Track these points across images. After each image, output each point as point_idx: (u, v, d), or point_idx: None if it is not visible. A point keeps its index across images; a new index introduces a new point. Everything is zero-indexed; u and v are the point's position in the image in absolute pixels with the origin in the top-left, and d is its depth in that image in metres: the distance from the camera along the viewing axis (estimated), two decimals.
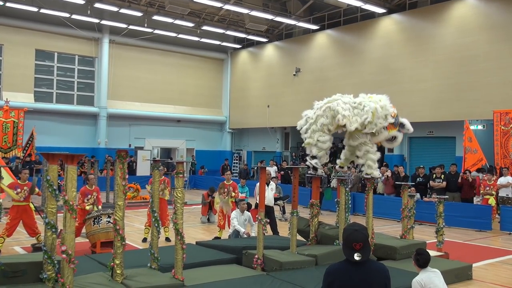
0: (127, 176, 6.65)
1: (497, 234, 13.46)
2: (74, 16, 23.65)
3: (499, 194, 14.68)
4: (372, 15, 22.43)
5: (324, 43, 24.60)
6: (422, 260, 5.39)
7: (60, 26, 24.47)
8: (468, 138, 17.04)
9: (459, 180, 15.39)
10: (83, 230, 10.09)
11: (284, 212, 15.41)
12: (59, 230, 6.19)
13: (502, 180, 14.71)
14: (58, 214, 6.13)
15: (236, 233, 10.55)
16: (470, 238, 12.82)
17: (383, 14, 21.79)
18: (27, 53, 24.44)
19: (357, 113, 8.86)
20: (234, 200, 12.21)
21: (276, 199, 13.64)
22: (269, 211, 11.42)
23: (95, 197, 10.40)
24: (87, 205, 10.18)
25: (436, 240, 9.95)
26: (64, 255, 5.78)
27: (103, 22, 24.77)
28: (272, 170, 21.41)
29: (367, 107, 8.85)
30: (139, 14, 23.91)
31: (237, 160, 29.93)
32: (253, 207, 12.40)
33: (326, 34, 24.59)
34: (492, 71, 17.84)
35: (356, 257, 3.36)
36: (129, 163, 24.54)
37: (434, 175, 15.83)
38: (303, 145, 9.36)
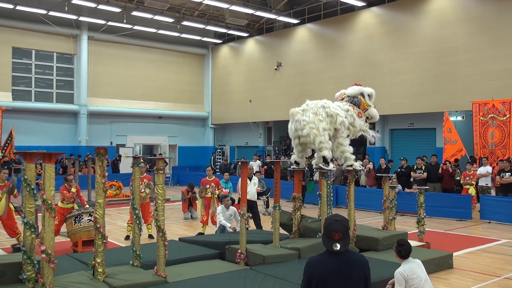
0: (107, 174, 6.59)
1: (477, 223, 13.67)
2: (51, 13, 23.28)
3: (479, 184, 14.91)
4: (351, 8, 22.50)
5: (305, 37, 24.62)
6: (404, 251, 5.44)
7: (37, 23, 24.07)
8: (447, 129, 17.26)
9: (440, 170, 15.58)
10: (64, 229, 9.98)
11: (267, 206, 15.43)
12: (39, 230, 6.11)
13: (481, 170, 14.93)
14: (38, 214, 6.04)
15: (222, 228, 10.56)
16: (450, 227, 13.00)
17: (362, 7, 21.89)
18: (4, 50, 24.00)
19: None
20: (217, 196, 12.20)
21: (259, 194, 13.66)
22: (252, 205, 11.44)
23: (75, 196, 10.28)
24: (66, 203, 10.05)
25: (417, 231, 10.08)
26: (43, 255, 5.71)
27: (81, 18, 24.43)
28: (255, 164, 21.43)
29: (350, 111, 9.39)
30: (117, 10, 23.63)
31: (220, 155, 29.88)
32: (236, 202, 12.40)
33: (306, 28, 24.62)
34: (470, 62, 18.06)
35: (334, 247, 3.38)
36: (113, 160, 24.37)
37: (415, 166, 16.01)
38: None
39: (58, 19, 24.04)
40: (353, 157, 9.34)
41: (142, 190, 10.17)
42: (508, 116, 16.17)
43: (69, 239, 9.88)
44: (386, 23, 21.09)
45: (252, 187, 11.89)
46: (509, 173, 14.08)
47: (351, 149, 9.34)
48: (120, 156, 25.10)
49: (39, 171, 12.35)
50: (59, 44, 25.53)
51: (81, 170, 20.80)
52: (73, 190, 10.14)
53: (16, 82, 24.58)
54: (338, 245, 3.38)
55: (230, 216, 10.79)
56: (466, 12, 18.43)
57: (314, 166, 9.27)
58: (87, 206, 10.32)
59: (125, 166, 24.72)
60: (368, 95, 9.84)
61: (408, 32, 20.15)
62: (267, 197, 15.37)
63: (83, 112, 25.63)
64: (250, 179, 11.88)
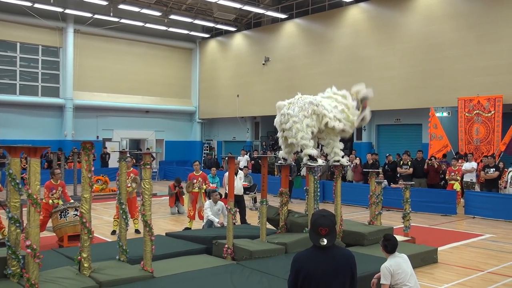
0: (93, 168, 6.54)
1: (462, 218, 13.83)
2: (37, 5, 22.97)
3: (464, 179, 15.07)
4: (339, 4, 22.55)
5: (293, 32, 24.63)
6: (390, 246, 5.48)
7: (22, 15, 23.73)
8: (433, 125, 17.43)
9: (425, 166, 15.72)
10: (50, 224, 9.90)
11: (255, 202, 15.46)
12: (24, 225, 6.06)
13: (466, 166, 15.09)
14: (23, 208, 5.99)
15: (209, 223, 10.55)
16: (435, 222, 13.14)
17: (350, 3, 21.94)
18: None
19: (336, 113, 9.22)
20: (204, 191, 12.19)
21: (245, 189, 13.67)
22: (238, 200, 11.46)
23: (60, 191, 10.20)
24: (51, 200, 9.97)
25: (403, 225, 10.17)
26: (28, 250, 5.66)
27: (67, 11, 24.16)
28: (243, 159, 21.43)
29: (339, 106, 9.26)
30: (104, 3, 23.40)
31: (207, 150, 29.83)
32: (222, 196, 12.41)
33: (294, 23, 24.62)
34: (456, 58, 18.21)
35: (321, 242, 3.40)
36: (101, 155, 24.19)
37: (401, 162, 16.12)
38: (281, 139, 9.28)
39: (43, 11, 23.74)
40: (342, 153, 9.39)
41: (129, 185, 10.13)
42: (493, 112, 16.37)
43: (54, 234, 9.81)
44: (373, 18, 21.18)
45: (238, 182, 11.90)
46: (494, 169, 14.28)
47: (341, 145, 9.37)
48: (106, 148, 24.87)
49: (24, 165, 12.23)
50: (44, 37, 25.22)
51: (66, 164, 20.62)
52: (54, 201, 10.04)
53: (0, 75, 24.24)
54: (325, 240, 3.40)
55: (217, 211, 10.78)
56: (453, 8, 18.56)
57: (303, 162, 9.26)
58: (72, 201, 10.24)
59: (113, 161, 24.58)
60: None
61: (396, 28, 20.26)
62: (255, 194, 15.37)
63: (69, 106, 25.38)
64: (236, 174, 11.89)
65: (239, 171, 12.62)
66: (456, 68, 18.20)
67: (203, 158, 28.26)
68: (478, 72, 17.57)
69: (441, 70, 18.64)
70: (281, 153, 9.61)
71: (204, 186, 12.12)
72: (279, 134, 9.27)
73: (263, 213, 8.76)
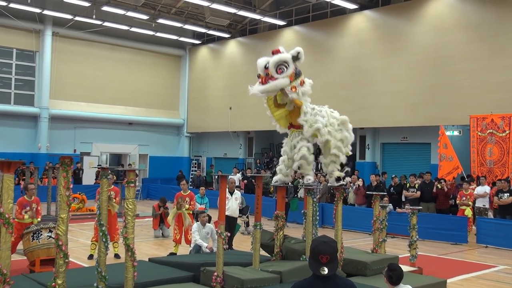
0: (71, 186, 6.54)
1: (473, 247, 13.86)
2: (12, 5, 23.10)
3: (476, 205, 15.11)
4: (343, 11, 22.82)
5: (291, 40, 24.80)
6: (395, 276, 5.49)
7: None
8: (443, 145, 17.50)
9: (434, 189, 15.77)
10: (20, 246, 9.85)
11: (248, 225, 15.44)
12: None
13: (479, 190, 15.12)
14: None
15: (197, 248, 10.52)
16: (445, 251, 13.16)
17: (354, 10, 22.21)
18: None
19: None
20: (191, 212, 12.18)
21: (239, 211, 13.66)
22: (232, 222, 11.48)
23: (34, 209, 10.17)
24: (26, 215, 9.95)
25: (409, 254, 10.19)
26: None
27: (46, 12, 24.29)
28: (235, 178, 21.45)
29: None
30: (86, 4, 23.55)
31: (195, 167, 29.80)
32: (212, 218, 12.40)
33: (293, 31, 24.86)
34: (468, 72, 18.39)
35: (322, 271, 3.43)
36: (74, 170, 24.09)
37: (408, 184, 16.18)
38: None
39: (19, 12, 23.85)
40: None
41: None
42: (507, 132, 16.49)
43: (25, 258, 9.75)
44: (379, 28, 21.42)
45: (234, 202, 11.90)
46: (508, 194, 14.29)
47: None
48: (79, 162, 24.78)
49: None
50: (19, 39, 25.32)
51: (40, 180, 20.54)
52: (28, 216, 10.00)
53: None
54: (326, 269, 3.43)
55: (206, 235, 10.75)
56: (465, 19, 18.82)
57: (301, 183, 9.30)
58: (39, 219, 10.20)
59: (87, 177, 24.52)
60: None
61: (403, 39, 20.48)
62: (247, 217, 15.36)
63: (44, 116, 25.37)
64: (232, 194, 11.91)
65: (235, 190, 12.61)
66: (467, 83, 18.36)
67: (191, 176, 28.22)
68: (491, 88, 17.75)
69: (451, 85, 18.81)
70: (278, 177, 9.59)
71: (187, 206, 12.07)
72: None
73: (256, 238, 8.76)
